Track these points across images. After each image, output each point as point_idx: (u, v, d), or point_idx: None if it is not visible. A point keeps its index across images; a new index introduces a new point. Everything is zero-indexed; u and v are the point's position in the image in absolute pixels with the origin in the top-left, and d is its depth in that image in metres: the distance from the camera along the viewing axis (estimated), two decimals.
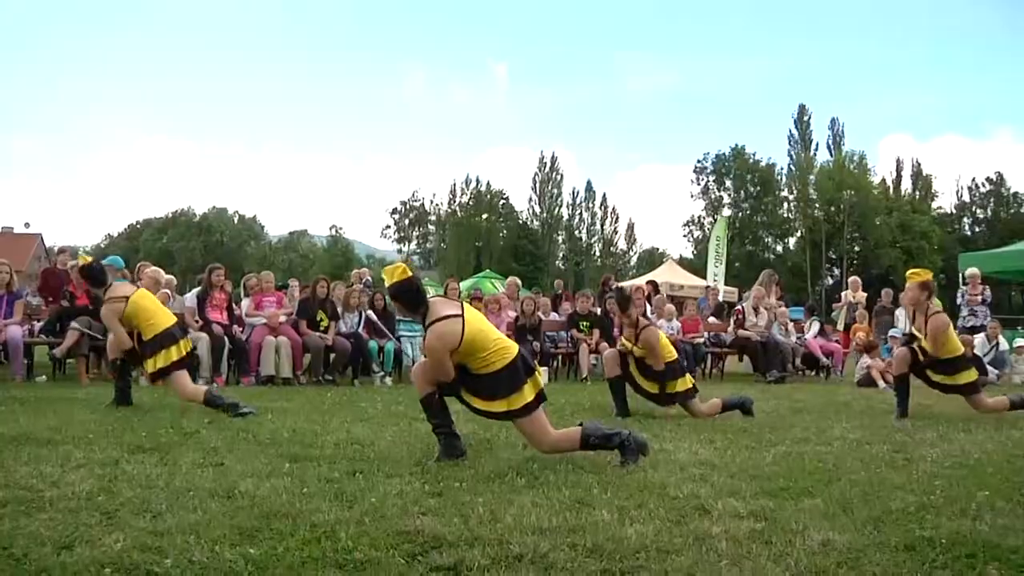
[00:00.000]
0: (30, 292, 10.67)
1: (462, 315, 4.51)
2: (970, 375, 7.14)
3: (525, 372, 4.56)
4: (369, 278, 14.54)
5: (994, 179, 67.50)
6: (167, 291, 9.99)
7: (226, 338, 9.60)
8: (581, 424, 4.64)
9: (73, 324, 9.12)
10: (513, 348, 4.64)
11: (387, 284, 4.77)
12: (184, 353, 6.69)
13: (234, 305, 10.40)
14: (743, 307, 13.08)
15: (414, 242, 79.47)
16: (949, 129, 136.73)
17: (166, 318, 6.77)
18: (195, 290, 10.42)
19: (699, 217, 69.56)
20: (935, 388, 7.33)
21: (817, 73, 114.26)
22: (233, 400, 6.47)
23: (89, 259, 6.89)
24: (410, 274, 4.71)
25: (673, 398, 6.93)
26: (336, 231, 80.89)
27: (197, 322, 9.69)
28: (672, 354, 7.01)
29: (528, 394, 4.53)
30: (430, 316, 4.53)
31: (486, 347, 4.53)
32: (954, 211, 68.68)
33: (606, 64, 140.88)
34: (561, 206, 74.05)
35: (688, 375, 7.08)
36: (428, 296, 4.75)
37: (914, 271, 7.45)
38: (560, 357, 12.59)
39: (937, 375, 7.20)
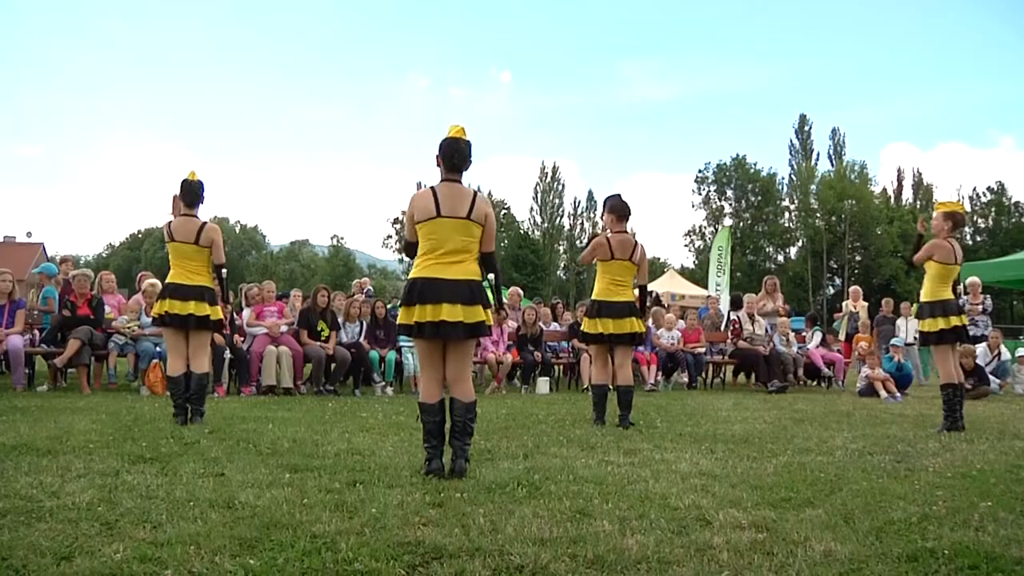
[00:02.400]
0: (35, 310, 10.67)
1: (436, 206, 4.44)
2: (934, 323, 7.04)
3: (418, 298, 4.43)
4: (371, 288, 14.49)
5: (995, 188, 67.63)
6: None
7: (227, 348, 9.60)
8: None
9: (74, 333, 9.14)
10: (427, 272, 4.47)
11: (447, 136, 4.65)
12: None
13: (235, 315, 10.40)
14: (738, 316, 13.04)
15: None
16: (953, 137, 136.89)
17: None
18: None
19: (700, 227, 69.72)
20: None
21: (818, 83, 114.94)
22: (182, 407, 6.48)
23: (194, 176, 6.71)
24: (464, 136, 4.61)
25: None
26: (337, 241, 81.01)
27: None
28: None
29: (402, 317, 4.49)
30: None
31: (420, 246, 4.55)
32: None
33: (609, 73, 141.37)
34: (562, 216, 74.18)
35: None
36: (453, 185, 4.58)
37: (943, 201, 7.56)
38: (561, 367, 12.58)
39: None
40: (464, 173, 4.64)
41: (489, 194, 73.05)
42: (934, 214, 7.44)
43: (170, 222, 6.66)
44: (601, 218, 7.38)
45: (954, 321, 7.04)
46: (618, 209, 7.11)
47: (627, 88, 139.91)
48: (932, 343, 7.19)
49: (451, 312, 4.38)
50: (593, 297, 7.18)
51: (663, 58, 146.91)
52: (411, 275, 4.56)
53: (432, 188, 4.55)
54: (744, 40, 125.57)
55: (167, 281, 6.61)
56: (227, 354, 9.57)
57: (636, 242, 7.04)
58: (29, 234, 62.56)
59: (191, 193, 6.67)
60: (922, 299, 7.29)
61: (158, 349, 9.36)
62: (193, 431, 5.88)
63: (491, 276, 4.96)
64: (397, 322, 4.63)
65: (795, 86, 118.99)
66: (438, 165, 4.66)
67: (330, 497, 3.74)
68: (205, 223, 6.63)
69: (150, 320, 9.52)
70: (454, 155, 4.57)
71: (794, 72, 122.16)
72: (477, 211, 4.53)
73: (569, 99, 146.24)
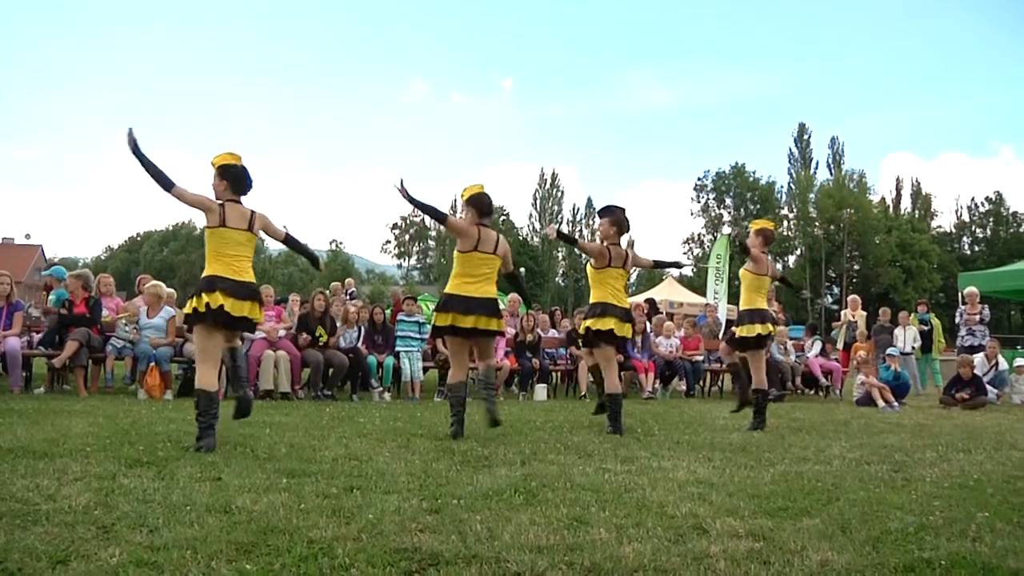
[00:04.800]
0: (34, 304, 10.68)
1: (477, 238, 6.33)
2: (751, 329, 7.57)
3: (454, 308, 6.27)
4: (355, 289, 14.36)
5: (993, 198, 67.81)
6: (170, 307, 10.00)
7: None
8: None
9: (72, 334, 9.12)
10: (460, 290, 6.31)
11: (464, 197, 6.60)
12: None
13: None
14: None
15: (414, 257, 79.59)
16: (954, 148, 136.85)
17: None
18: None
19: (699, 235, 69.85)
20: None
21: (818, 92, 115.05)
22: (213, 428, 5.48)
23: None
24: (481, 192, 6.55)
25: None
26: (336, 246, 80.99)
27: None
28: None
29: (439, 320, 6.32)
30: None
31: (456, 267, 6.43)
32: (954, 230, 68.91)
33: (610, 81, 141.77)
34: (561, 223, 74.25)
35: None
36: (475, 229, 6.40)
37: (756, 220, 8.06)
38: (559, 374, 12.57)
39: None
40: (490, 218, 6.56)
41: None
42: (749, 230, 8.10)
43: (222, 204, 5.62)
44: (598, 227, 7.57)
45: (759, 329, 7.56)
46: (620, 224, 7.35)
47: (628, 95, 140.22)
48: (751, 348, 7.71)
49: (476, 321, 6.26)
50: (596, 300, 7.22)
51: (664, 66, 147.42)
52: (448, 291, 6.38)
53: (477, 226, 6.38)
54: (744, 49, 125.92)
55: (213, 274, 5.52)
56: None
57: (627, 252, 7.34)
58: (28, 236, 62.62)
59: (244, 180, 5.73)
60: (740, 307, 7.93)
61: (155, 352, 9.35)
62: (191, 436, 5.86)
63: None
64: (435, 324, 6.41)
65: (794, 95, 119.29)
66: (463, 209, 6.57)
67: (327, 502, 3.73)
68: (253, 210, 5.74)
69: (157, 320, 9.58)
70: (486, 205, 6.53)
71: (794, 81, 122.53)
72: (500, 248, 6.47)
73: (570, 106, 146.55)
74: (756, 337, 7.56)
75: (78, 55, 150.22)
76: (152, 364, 9.25)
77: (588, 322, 7.22)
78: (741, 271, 7.96)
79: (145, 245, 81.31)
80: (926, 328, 15.36)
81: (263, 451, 5.24)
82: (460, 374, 6.43)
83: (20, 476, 4.11)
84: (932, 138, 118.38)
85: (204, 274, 5.57)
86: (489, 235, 6.41)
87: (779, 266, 66.98)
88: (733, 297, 23.44)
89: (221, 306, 5.41)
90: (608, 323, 7.05)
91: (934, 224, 68.27)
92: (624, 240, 7.48)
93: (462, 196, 6.65)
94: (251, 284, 5.66)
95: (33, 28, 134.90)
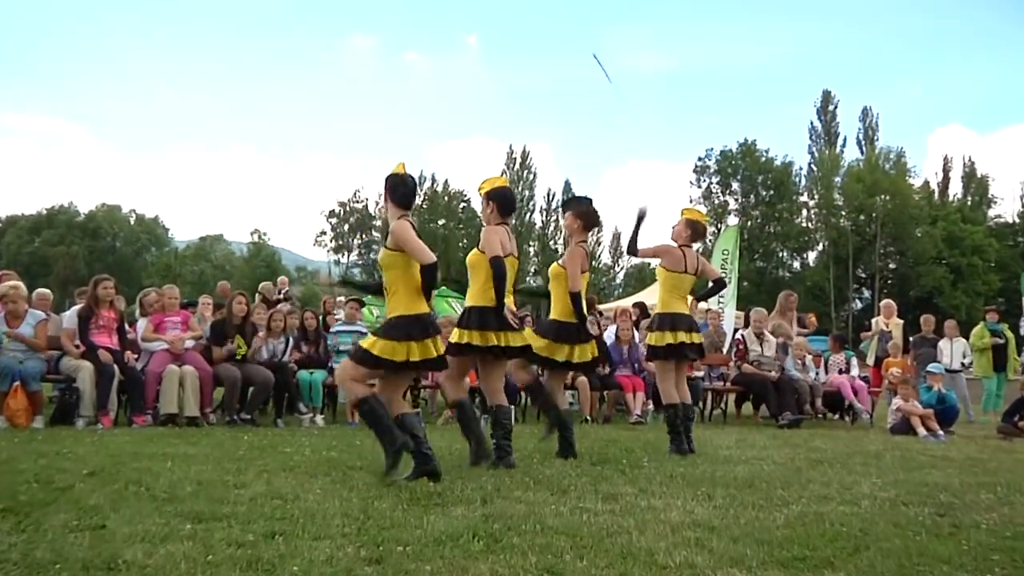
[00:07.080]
0: None
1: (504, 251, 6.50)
2: (662, 337, 7.93)
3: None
4: (288, 289, 14.20)
5: None
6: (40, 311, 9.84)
7: (116, 367, 9.45)
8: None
9: None
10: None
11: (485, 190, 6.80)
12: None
13: (127, 327, 10.26)
14: (743, 335, 13.07)
15: (355, 251, 79.26)
16: (1019, 118, 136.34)
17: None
18: (76, 307, 10.26)
19: None
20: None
21: (846, 53, 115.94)
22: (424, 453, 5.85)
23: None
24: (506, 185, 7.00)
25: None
26: (259, 237, 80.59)
27: (78, 347, 9.52)
28: None
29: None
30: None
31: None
32: (1017, 220, 69.09)
33: (594, 41, 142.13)
34: (533, 211, 74.44)
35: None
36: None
37: (688, 208, 8.45)
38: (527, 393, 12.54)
39: None
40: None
41: (446, 183, 73.30)
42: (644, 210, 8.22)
43: (412, 223, 6.09)
44: (565, 223, 7.77)
45: (681, 337, 7.92)
46: (587, 217, 7.58)
47: (615, 58, 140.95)
48: (659, 358, 8.10)
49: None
50: (557, 315, 7.41)
51: (658, 24, 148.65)
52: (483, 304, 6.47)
53: (504, 228, 6.65)
54: (755, 3, 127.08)
55: (422, 313, 5.96)
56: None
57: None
58: None
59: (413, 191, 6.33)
60: (656, 310, 8.31)
61: (20, 368, 9.07)
62: (67, 473, 5.76)
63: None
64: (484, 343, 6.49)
65: (817, 57, 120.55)
66: (487, 207, 6.75)
67: (241, 552, 3.70)
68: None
69: (23, 327, 9.40)
70: (510, 202, 6.85)
71: (816, 41, 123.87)
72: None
73: (546, 69, 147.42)
74: (667, 347, 7.91)
75: None
76: (16, 384, 8.99)
77: (543, 348, 7.34)
78: (657, 268, 8.31)
79: (9, 233, 79.94)
80: (1000, 341, 15.31)
81: (162, 490, 5.19)
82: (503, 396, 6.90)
83: None
84: (990, 107, 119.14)
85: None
86: (511, 236, 6.81)
87: (796, 264, 67.91)
88: (741, 301, 23.53)
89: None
90: (564, 351, 7.34)
91: (991, 213, 68.49)
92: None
93: (480, 189, 6.92)
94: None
95: None
